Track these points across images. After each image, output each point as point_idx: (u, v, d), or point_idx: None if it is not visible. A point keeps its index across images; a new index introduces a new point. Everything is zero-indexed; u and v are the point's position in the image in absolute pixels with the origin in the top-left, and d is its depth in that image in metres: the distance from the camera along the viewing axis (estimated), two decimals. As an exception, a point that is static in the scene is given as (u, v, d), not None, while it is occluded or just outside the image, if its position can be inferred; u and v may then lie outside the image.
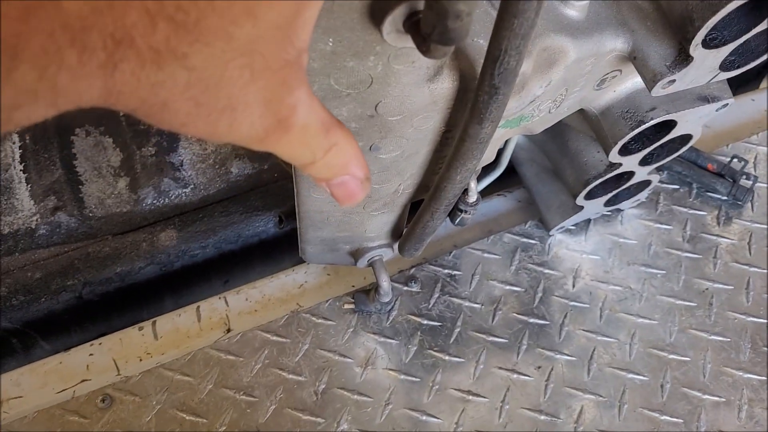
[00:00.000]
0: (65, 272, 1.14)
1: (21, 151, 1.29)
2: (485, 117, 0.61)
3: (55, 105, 0.32)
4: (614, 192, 1.08)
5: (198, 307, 1.10)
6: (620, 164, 0.98)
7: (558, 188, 1.12)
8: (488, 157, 0.89)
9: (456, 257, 1.14)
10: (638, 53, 0.75)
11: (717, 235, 1.16)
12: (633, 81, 0.88)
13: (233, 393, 1.00)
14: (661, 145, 0.98)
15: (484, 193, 1.23)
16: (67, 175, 1.25)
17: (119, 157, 1.28)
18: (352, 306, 1.08)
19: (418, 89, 0.64)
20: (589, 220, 1.17)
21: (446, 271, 1.12)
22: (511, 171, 1.20)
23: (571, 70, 0.74)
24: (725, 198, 1.20)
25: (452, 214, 1.02)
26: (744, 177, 1.19)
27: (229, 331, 1.08)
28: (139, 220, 1.21)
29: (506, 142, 1.04)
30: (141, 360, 1.05)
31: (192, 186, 1.24)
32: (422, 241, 0.92)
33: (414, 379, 1.01)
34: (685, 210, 1.19)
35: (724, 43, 0.73)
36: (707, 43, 0.72)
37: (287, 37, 0.35)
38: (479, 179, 1.11)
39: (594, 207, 1.11)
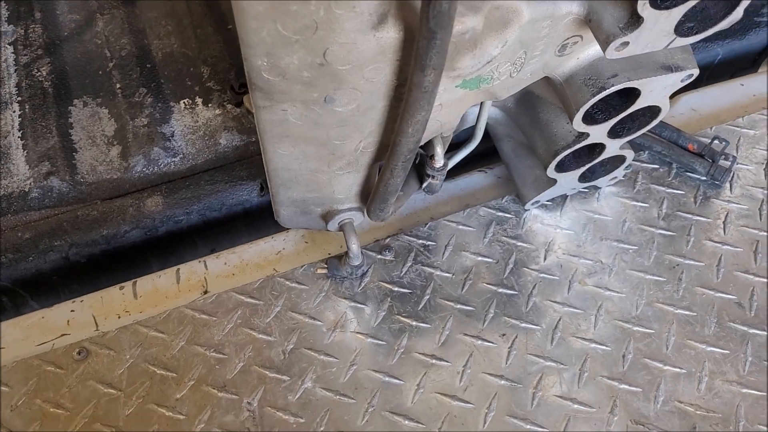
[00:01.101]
0: (53, 233, 1.18)
1: (20, 119, 1.35)
2: (426, 64, 0.63)
3: None
4: (587, 165, 1.09)
5: (178, 269, 1.13)
6: (587, 134, 0.99)
7: (533, 163, 1.13)
8: (451, 120, 0.90)
9: (431, 229, 1.16)
10: (593, 16, 0.76)
11: (693, 214, 1.15)
12: (595, 48, 0.89)
13: (204, 350, 1.03)
14: (630, 117, 0.99)
15: (465, 169, 1.24)
16: (62, 142, 1.30)
17: (113, 127, 1.33)
18: (325, 271, 1.11)
19: (363, 37, 0.65)
20: (566, 197, 1.18)
21: (420, 241, 1.14)
22: (495, 149, 1.21)
23: (526, 32, 0.75)
24: (704, 178, 1.20)
25: (421, 181, 1.04)
26: (723, 158, 1.19)
27: (206, 293, 1.11)
28: (128, 186, 1.25)
29: (479, 113, 1.06)
30: (119, 317, 1.08)
31: (181, 156, 1.28)
32: (386, 201, 0.94)
33: (380, 342, 1.03)
34: (663, 189, 1.19)
35: (675, 5, 0.74)
36: (657, 4, 0.73)
37: None
38: (453, 151, 1.12)
39: (569, 182, 1.12)
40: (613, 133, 1.01)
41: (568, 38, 0.82)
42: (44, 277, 1.21)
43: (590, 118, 0.95)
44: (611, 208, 1.17)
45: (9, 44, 1.49)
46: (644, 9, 0.72)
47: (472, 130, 1.08)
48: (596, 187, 1.19)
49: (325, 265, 1.11)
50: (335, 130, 0.81)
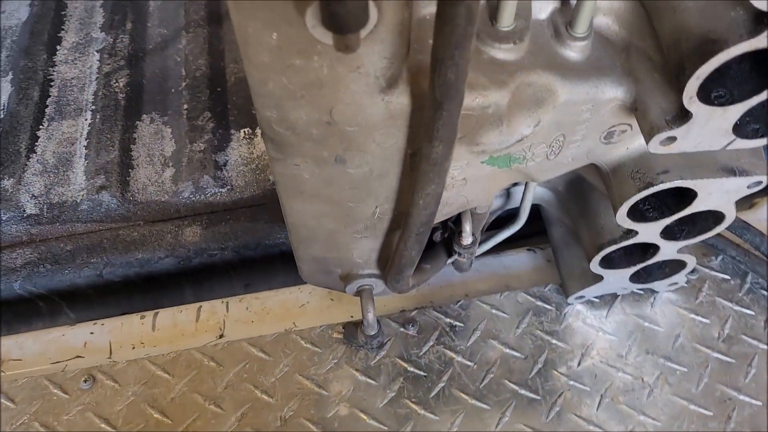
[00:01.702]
0: (92, 250, 1.20)
1: (89, 128, 1.38)
2: (434, 135, 0.59)
3: None
4: (639, 266, 0.97)
5: (200, 307, 1.12)
6: (636, 232, 0.88)
7: (582, 254, 1.03)
8: (480, 197, 0.83)
9: (463, 308, 1.08)
10: (640, 105, 0.69)
11: (760, 341, 1.01)
12: None
13: (203, 401, 1.00)
14: (689, 220, 0.87)
15: (514, 244, 1.16)
16: (122, 157, 1.32)
17: (172, 149, 1.33)
18: (341, 336, 1.06)
19: (370, 99, 0.62)
20: (616, 296, 1.07)
21: (448, 320, 1.07)
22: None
23: (564, 114, 0.70)
24: (784, 300, 1.06)
25: (449, 255, 0.97)
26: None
27: (221, 336, 1.08)
28: (173, 211, 1.25)
29: (524, 194, 0.98)
30: (133, 347, 1.08)
31: (229, 187, 1.27)
32: (401, 272, 0.88)
33: (382, 427, 0.97)
34: (729, 305, 1.05)
35: (731, 102, 0.64)
36: (711, 100, 0.63)
37: None
38: (496, 230, 1.05)
39: (618, 280, 1.01)
40: (669, 235, 0.89)
41: (614, 126, 0.75)
42: (80, 290, 1.23)
43: (639, 215, 0.85)
44: (665, 318, 1.05)
45: (97, 51, 1.53)
46: (692, 103, 0.63)
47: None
48: (653, 291, 1.08)
49: (343, 330, 1.06)
50: (348, 191, 0.77)
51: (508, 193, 1.04)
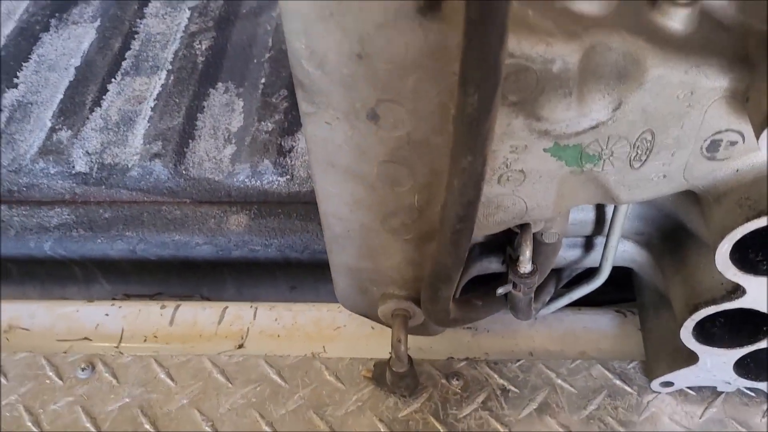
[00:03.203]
0: (129, 222, 1.10)
1: (161, 89, 1.28)
2: (468, 76, 0.47)
3: None
4: (747, 348, 0.75)
5: (225, 308, 0.99)
6: (743, 290, 0.66)
7: (675, 327, 0.82)
8: (541, 203, 0.68)
9: (523, 369, 0.89)
10: (754, 93, 0.55)
11: None
12: (762, 158, 0.62)
13: (201, 420, 0.88)
14: None
15: (592, 302, 0.95)
16: (185, 125, 1.21)
17: (239, 124, 1.21)
18: (371, 375, 0.90)
19: (406, 23, 0.53)
20: (718, 393, 0.85)
21: (502, 381, 0.88)
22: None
23: (652, 98, 0.57)
24: None
25: (502, 287, 0.79)
26: None
27: (240, 347, 0.95)
28: (223, 194, 1.14)
29: (606, 242, 0.78)
30: (145, 340, 0.97)
31: (288, 177, 1.13)
32: (437, 290, 0.76)
33: (394, 499, 0.80)
34: None
35: None
36: None
37: None
38: (576, 285, 0.85)
39: (719, 366, 0.79)
40: None
41: (720, 132, 0.60)
42: (114, 262, 1.14)
43: (748, 264, 0.65)
44: (781, 436, 0.81)
45: (189, 8, 1.44)
46: None
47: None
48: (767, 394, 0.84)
49: (373, 368, 0.90)
50: (384, 165, 0.67)
51: (588, 244, 0.85)
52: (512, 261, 0.77)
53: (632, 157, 0.62)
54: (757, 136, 0.54)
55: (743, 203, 0.62)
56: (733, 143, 0.61)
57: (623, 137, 0.60)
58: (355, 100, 0.61)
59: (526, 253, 0.73)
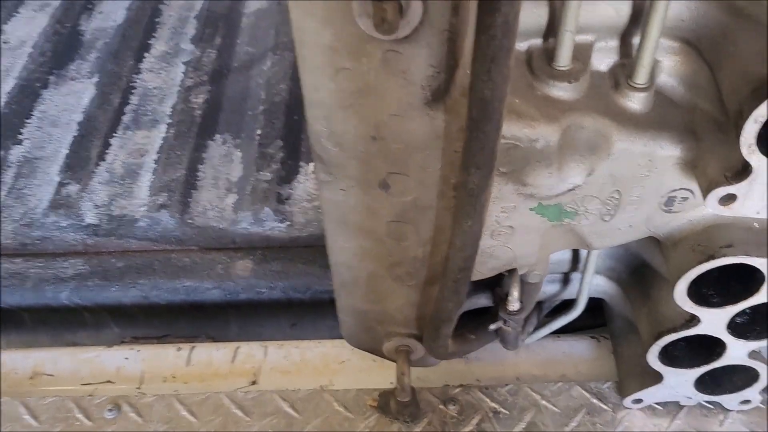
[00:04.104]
0: (142, 270, 1.18)
1: (162, 142, 1.37)
2: (470, 161, 0.58)
3: None
4: (704, 367, 0.87)
5: (237, 347, 1.08)
6: (698, 320, 0.78)
7: (642, 351, 0.93)
8: (527, 252, 0.79)
9: (511, 393, 0.99)
10: (700, 161, 0.66)
11: None
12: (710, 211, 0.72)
13: (222, 453, 0.96)
14: (762, 318, 0.78)
15: (569, 330, 1.06)
16: (188, 176, 1.30)
17: (239, 174, 1.30)
18: (376, 404, 0.99)
19: (416, 112, 0.62)
20: (681, 406, 0.96)
21: (493, 404, 0.98)
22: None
23: (619, 166, 0.67)
24: None
25: (494, 323, 0.90)
26: None
27: (254, 383, 1.04)
28: (228, 241, 1.22)
29: (582, 278, 0.89)
30: (165, 381, 1.05)
31: (288, 223, 1.22)
32: (438, 329, 0.85)
33: None
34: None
35: None
36: None
37: None
38: (554, 316, 0.97)
39: (681, 384, 0.90)
40: (738, 332, 0.80)
41: (674, 190, 0.70)
42: (125, 307, 1.22)
43: (702, 299, 0.76)
44: (736, 443, 0.93)
45: (183, 63, 1.53)
46: (751, 153, 0.59)
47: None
48: (723, 407, 0.96)
49: (378, 398, 0.99)
50: (392, 224, 0.76)
51: (565, 279, 0.97)
52: (501, 300, 0.87)
53: (603, 213, 0.73)
54: (704, 198, 0.66)
55: (696, 248, 0.73)
56: (685, 198, 0.72)
57: (595, 196, 0.71)
58: (368, 172, 0.69)
59: (515, 294, 0.84)
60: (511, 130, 0.63)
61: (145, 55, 1.54)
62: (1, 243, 1.20)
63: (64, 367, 1.07)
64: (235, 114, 1.41)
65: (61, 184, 1.29)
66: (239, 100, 1.44)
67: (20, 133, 1.38)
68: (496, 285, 0.92)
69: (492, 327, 0.88)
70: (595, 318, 1.09)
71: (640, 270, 0.91)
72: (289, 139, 1.35)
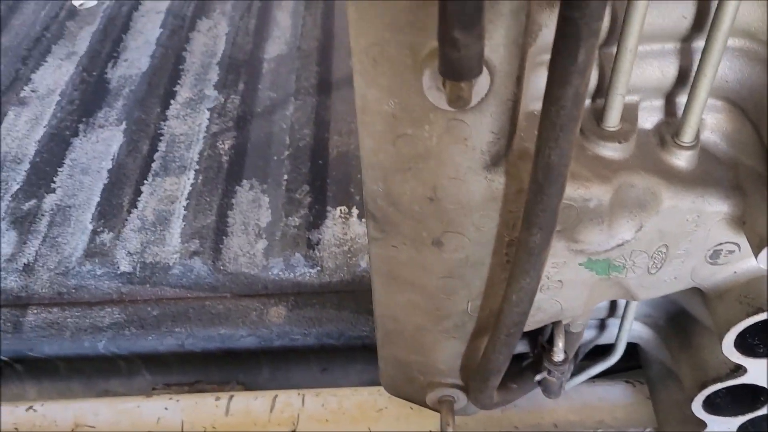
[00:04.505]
0: (177, 318, 1.19)
1: (191, 188, 1.39)
2: (533, 221, 0.59)
3: None
4: (748, 415, 0.87)
5: (275, 396, 1.09)
6: (744, 369, 0.79)
7: (683, 398, 0.94)
8: (574, 306, 0.79)
9: (551, 439, 1.00)
10: (749, 218, 0.67)
11: None
12: (754, 262, 0.73)
13: (269, 501, 0.96)
14: None
15: (605, 375, 1.07)
16: (218, 223, 1.31)
17: (268, 220, 1.32)
18: (416, 453, 1.00)
19: (474, 176, 0.64)
20: (724, 459, 0.96)
21: (533, 452, 0.99)
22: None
23: (667, 222, 0.68)
24: None
25: (539, 374, 0.91)
26: None
27: (293, 432, 1.05)
28: (260, 287, 1.23)
29: (621, 324, 0.91)
30: (205, 430, 1.06)
31: (319, 269, 1.24)
32: (486, 381, 0.85)
33: None
34: None
35: None
36: None
37: None
38: (592, 361, 0.98)
39: (722, 430, 0.91)
40: None
41: (721, 244, 0.71)
42: (159, 355, 1.23)
43: (748, 348, 0.77)
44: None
45: (208, 109, 1.56)
46: None
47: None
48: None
49: (419, 447, 1.00)
50: (442, 280, 0.76)
51: (602, 324, 0.98)
52: (545, 350, 0.89)
53: (650, 266, 0.74)
54: (756, 255, 0.66)
55: (743, 300, 0.73)
56: (731, 251, 0.72)
57: (643, 251, 0.72)
58: (422, 231, 0.70)
59: (559, 345, 0.85)
60: (566, 191, 0.65)
61: (171, 101, 1.57)
62: (38, 292, 1.21)
63: (104, 418, 1.08)
64: (261, 159, 1.43)
65: (94, 232, 1.30)
66: (264, 145, 1.47)
67: (53, 182, 1.40)
68: (536, 332, 0.94)
69: (537, 378, 0.89)
70: (628, 360, 1.09)
71: (678, 317, 0.92)
72: (316, 183, 1.37)
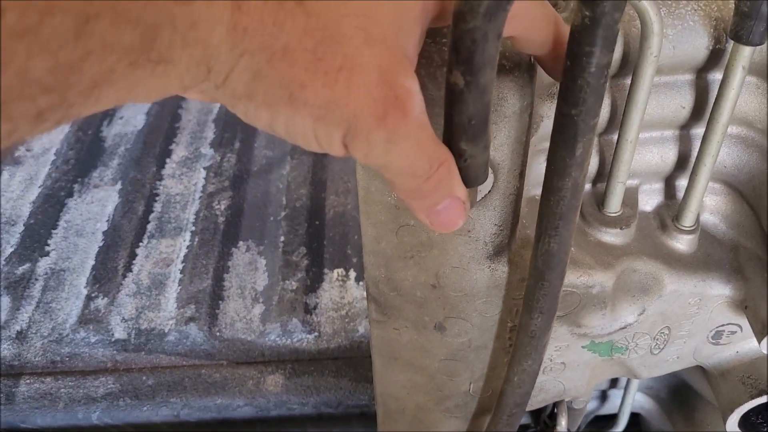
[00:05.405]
0: (173, 387, 1.17)
1: (187, 251, 1.38)
2: (534, 306, 0.59)
3: (186, 39, 0.32)
4: None
5: (273, 469, 1.07)
6: None
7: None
8: (577, 386, 0.78)
9: None
10: (750, 303, 0.66)
11: None
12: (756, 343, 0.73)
13: None
14: None
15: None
16: (214, 287, 1.30)
17: (264, 283, 1.31)
18: None
19: (477, 265, 0.63)
20: None
21: None
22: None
23: (669, 305, 0.68)
24: None
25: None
26: None
27: (293, 508, 1.02)
28: (257, 354, 1.22)
29: (623, 398, 0.90)
30: (202, 508, 1.03)
31: (316, 334, 1.23)
32: None
33: None
34: None
35: None
36: None
37: (399, 24, 0.37)
38: (591, 427, 0.97)
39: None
40: None
41: (722, 325, 0.71)
42: (155, 426, 1.21)
43: (752, 427, 0.76)
44: None
45: (204, 168, 1.56)
46: None
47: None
48: None
49: None
50: (444, 363, 0.75)
51: (604, 396, 0.97)
52: (547, 426, 0.88)
53: (652, 347, 0.74)
54: (759, 341, 0.67)
55: (746, 381, 0.73)
56: (733, 332, 0.73)
57: (646, 333, 0.72)
58: (424, 315, 0.69)
59: (563, 423, 0.85)
60: (569, 278, 0.65)
61: (167, 160, 1.57)
62: (31, 361, 1.19)
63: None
64: (258, 220, 1.43)
65: (89, 297, 1.29)
66: (260, 205, 1.46)
67: (47, 244, 1.39)
68: (541, 413, 0.93)
69: (545, 455, 0.88)
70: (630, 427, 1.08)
71: (680, 390, 0.91)
72: (312, 245, 1.37)
